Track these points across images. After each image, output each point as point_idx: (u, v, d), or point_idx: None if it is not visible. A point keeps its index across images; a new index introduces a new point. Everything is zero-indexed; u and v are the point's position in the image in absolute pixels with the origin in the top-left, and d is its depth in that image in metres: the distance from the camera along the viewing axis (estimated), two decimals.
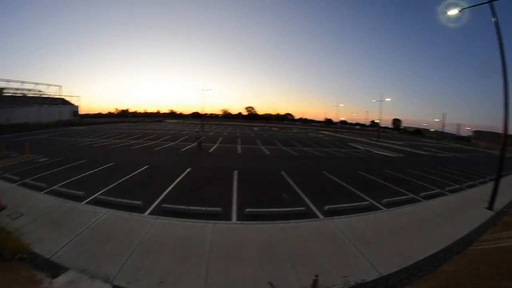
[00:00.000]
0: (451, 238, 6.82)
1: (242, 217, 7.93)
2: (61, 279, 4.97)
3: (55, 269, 5.25)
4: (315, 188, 11.28)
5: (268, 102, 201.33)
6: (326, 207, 8.58)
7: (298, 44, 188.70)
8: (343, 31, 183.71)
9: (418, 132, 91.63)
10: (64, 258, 5.59)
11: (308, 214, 8.17)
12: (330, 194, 10.45)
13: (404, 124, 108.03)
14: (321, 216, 8.03)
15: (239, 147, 26.24)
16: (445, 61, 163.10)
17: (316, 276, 4.39)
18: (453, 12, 10.64)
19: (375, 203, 9.33)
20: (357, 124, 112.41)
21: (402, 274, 5.03)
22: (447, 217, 8.42)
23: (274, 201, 9.30)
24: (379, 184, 12.69)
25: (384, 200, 9.62)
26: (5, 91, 43.18)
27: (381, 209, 8.94)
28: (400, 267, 5.24)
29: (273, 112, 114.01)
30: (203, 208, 8.40)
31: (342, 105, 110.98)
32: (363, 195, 10.27)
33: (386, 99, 56.07)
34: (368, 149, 31.22)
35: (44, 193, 9.61)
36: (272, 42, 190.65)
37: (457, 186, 13.53)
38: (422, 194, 10.95)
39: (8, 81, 43.64)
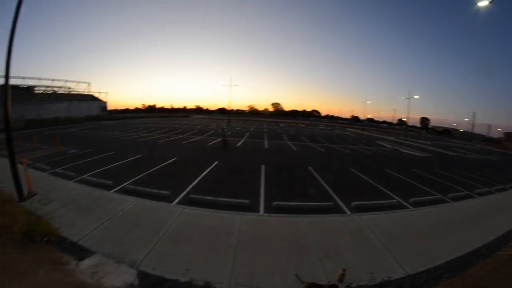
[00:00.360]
0: (479, 242, 6.59)
1: (269, 209, 8.06)
2: (87, 262, 5.09)
3: (82, 253, 5.41)
4: (343, 184, 11.39)
5: (295, 99, 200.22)
6: (354, 203, 8.66)
7: (325, 40, 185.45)
8: (371, 27, 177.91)
9: (447, 132, 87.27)
10: (91, 243, 5.78)
11: (335, 210, 8.27)
12: (357, 191, 10.54)
13: (432, 123, 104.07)
14: (348, 212, 8.10)
15: (266, 142, 26.53)
16: (476, 58, 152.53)
17: (344, 270, 4.52)
18: (483, 3, 10.10)
19: (402, 201, 9.34)
20: (384, 122, 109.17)
21: (428, 274, 5.00)
22: (476, 220, 8.12)
23: (302, 195, 9.44)
24: (407, 183, 12.63)
25: (412, 199, 9.58)
26: (36, 88, 46.75)
27: (408, 208, 8.92)
28: (427, 267, 5.21)
29: (299, 108, 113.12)
30: (231, 200, 8.59)
31: (369, 102, 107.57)
32: (390, 193, 10.31)
33: (414, 97, 54.59)
34: (395, 147, 30.94)
35: (74, 181, 10.06)
36: (299, 38, 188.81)
37: (487, 189, 13.05)
38: (450, 195, 10.78)
39: (39, 79, 47.01)
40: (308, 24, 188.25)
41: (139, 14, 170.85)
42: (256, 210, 8.06)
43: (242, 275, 4.77)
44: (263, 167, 13.97)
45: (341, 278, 4.47)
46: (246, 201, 8.55)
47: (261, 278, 4.72)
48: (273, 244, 5.86)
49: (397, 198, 9.67)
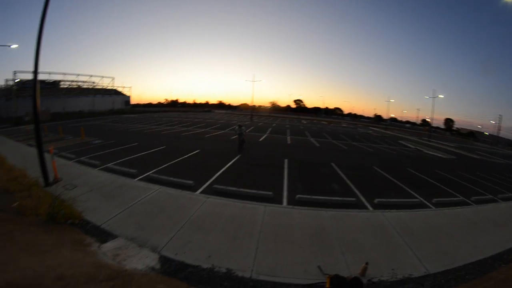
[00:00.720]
0: (502, 246, 6.33)
1: (292, 202, 8.18)
2: (109, 244, 5.19)
3: (104, 236, 5.55)
4: (365, 181, 11.56)
5: (317, 96, 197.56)
6: (376, 200, 8.77)
7: (349, 37, 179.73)
8: (397, 24, 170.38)
9: (472, 135, 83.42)
10: (114, 227, 5.92)
11: (358, 205, 8.37)
12: (380, 188, 10.70)
13: (456, 125, 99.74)
14: (370, 208, 8.19)
15: (288, 138, 26.91)
16: (505, 60, 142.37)
17: (367, 263, 4.62)
18: None
19: (424, 201, 9.38)
20: (407, 122, 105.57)
21: (449, 274, 4.98)
22: (499, 224, 7.81)
23: (325, 190, 9.61)
24: (429, 184, 12.62)
25: (434, 200, 9.59)
26: (61, 83, 49.60)
27: (431, 207, 8.93)
28: (448, 267, 5.20)
29: (322, 105, 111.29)
30: (254, 191, 8.71)
31: (393, 100, 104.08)
32: (412, 192, 10.45)
33: (439, 96, 53.41)
34: (418, 148, 30.83)
35: (98, 169, 10.46)
36: (323, 34, 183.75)
37: (511, 194, 12.58)
38: (473, 198, 10.65)
39: (64, 74, 49.77)
40: (332, 21, 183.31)
41: (164, 10, 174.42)
42: (279, 202, 8.17)
43: (264, 265, 4.82)
44: (286, 161, 14.19)
45: (364, 272, 4.50)
46: (270, 193, 8.66)
47: (283, 268, 4.75)
48: (296, 235, 5.94)
49: (420, 198, 9.72)
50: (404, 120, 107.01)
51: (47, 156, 8.75)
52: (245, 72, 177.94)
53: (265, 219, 6.62)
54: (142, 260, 4.71)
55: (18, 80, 42.10)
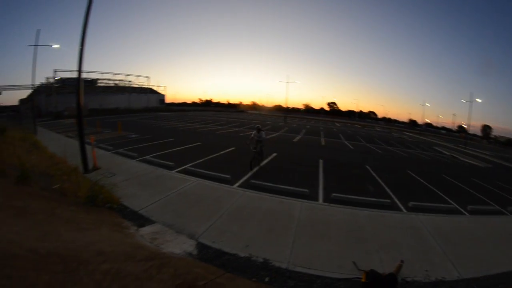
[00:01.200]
0: None
1: (328, 200, 8.34)
2: (147, 228, 5.33)
3: (142, 221, 5.74)
4: (399, 184, 11.64)
5: (352, 98, 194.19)
6: (411, 203, 8.79)
7: (384, 39, 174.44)
8: (434, 26, 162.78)
9: (510, 143, 76.60)
10: (152, 213, 6.12)
11: (392, 207, 8.48)
12: (414, 192, 10.76)
13: (494, 133, 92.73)
14: (405, 211, 8.28)
15: (322, 140, 27.09)
16: None
17: (402, 261, 4.78)
18: None
19: (459, 207, 9.31)
20: (443, 128, 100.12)
21: (482, 282, 4.94)
22: None
23: (359, 190, 9.72)
24: (464, 191, 12.38)
25: (469, 207, 9.39)
26: (99, 81, 53.38)
27: (465, 214, 8.87)
28: (481, 274, 5.15)
29: (355, 109, 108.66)
30: (291, 188, 8.89)
31: (429, 105, 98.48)
32: (447, 198, 10.33)
33: (477, 100, 49.87)
34: (453, 155, 30.03)
35: (136, 161, 10.95)
36: (358, 37, 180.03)
37: None
38: (510, 208, 10.15)
39: (101, 73, 53.46)
40: (367, 23, 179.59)
41: (198, 13, 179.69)
42: (315, 199, 8.34)
43: (301, 257, 4.92)
44: (320, 161, 14.29)
45: (398, 270, 4.58)
46: (306, 190, 8.83)
47: (319, 262, 4.85)
48: (331, 231, 6.08)
49: (454, 204, 9.60)
50: (439, 125, 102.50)
51: (86, 147, 9.35)
52: (278, 74, 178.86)
53: (302, 214, 6.78)
54: (179, 245, 4.79)
55: (58, 78, 45.98)
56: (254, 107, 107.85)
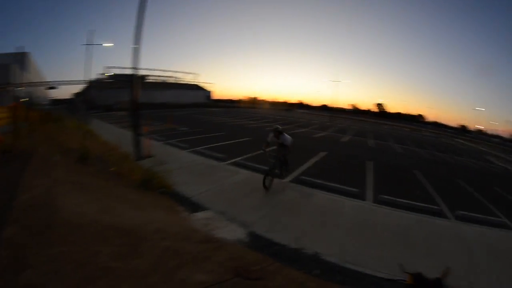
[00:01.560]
0: None
1: (376, 201, 8.38)
2: (199, 214, 5.53)
3: (194, 207, 5.98)
4: (448, 192, 11.12)
5: (400, 100, 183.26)
6: (459, 213, 8.58)
7: (436, 41, 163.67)
8: (489, 26, 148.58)
9: None
10: (204, 201, 6.36)
11: (439, 214, 8.38)
12: (463, 201, 10.33)
13: None
14: (453, 219, 8.13)
15: (370, 141, 26.63)
16: None
17: (448, 268, 4.47)
18: None
19: (509, 223, 8.72)
20: (496, 136, 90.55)
21: None
22: None
23: (407, 195, 9.54)
24: None
25: None
26: (148, 77, 57.73)
27: None
28: None
29: (404, 111, 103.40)
30: (340, 186, 8.91)
31: (483, 109, 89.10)
32: (497, 212, 9.67)
33: None
34: (506, 166, 27.88)
35: (187, 151, 11.49)
36: (409, 38, 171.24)
37: None
38: None
39: (151, 69, 58.15)
40: (419, 24, 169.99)
41: (247, 12, 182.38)
42: (363, 199, 8.41)
43: (349, 254, 5.01)
44: (368, 162, 14.13)
45: (445, 276, 4.31)
46: (355, 189, 8.91)
47: (367, 260, 4.92)
48: (379, 232, 6.15)
49: (504, 219, 9.03)
50: (492, 133, 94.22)
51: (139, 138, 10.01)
52: (327, 73, 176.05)
53: (351, 212, 6.92)
54: (231, 233, 4.91)
55: (110, 74, 51.14)
56: (301, 105, 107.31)
